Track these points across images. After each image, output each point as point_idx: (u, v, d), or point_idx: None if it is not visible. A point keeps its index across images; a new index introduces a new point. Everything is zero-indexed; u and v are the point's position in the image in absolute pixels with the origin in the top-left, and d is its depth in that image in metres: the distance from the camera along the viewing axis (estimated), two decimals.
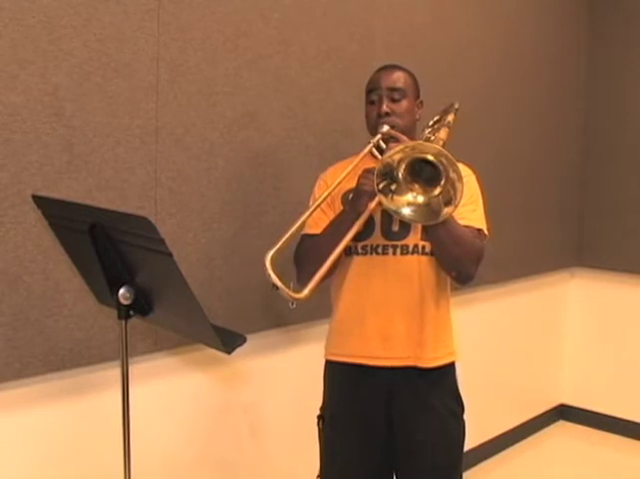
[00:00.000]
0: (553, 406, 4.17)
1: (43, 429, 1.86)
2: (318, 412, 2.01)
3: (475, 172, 1.98)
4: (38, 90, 1.74)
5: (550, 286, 3.98)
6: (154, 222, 1.34)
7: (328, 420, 1.99)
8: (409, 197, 1.61)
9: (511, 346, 3.74)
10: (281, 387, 2.51)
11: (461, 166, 1.94)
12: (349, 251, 1.89)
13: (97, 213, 1.51)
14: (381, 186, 1.60)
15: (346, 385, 1.97)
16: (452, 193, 1.56)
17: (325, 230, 1.86)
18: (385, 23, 2.71)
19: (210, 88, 2.13)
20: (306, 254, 1.89)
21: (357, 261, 1.91)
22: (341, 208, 1.91)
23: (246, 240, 2.27)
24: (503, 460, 3.60)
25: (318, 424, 2.00)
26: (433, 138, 1.85)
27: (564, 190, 3.95)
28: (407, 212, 1.62)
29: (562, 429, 4.09)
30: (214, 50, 2.13)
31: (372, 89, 1.95)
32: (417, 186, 1.61)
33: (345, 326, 1.95)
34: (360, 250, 1.90)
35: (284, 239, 1.56)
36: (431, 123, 2.04)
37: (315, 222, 1.94)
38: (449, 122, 1.93)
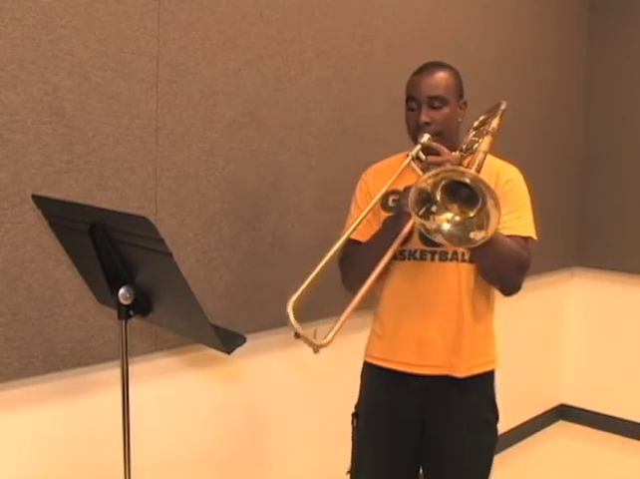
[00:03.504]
0: (553, 406, 4.17)
1: (43, 429, 1.86)
2: (353, 410, 2.01)
3: (521, 171, 1.92)
4: (38, 90, 1.74)
5: (550, 286, 3.98)
6: (154, 222, 1.34)
7: (362, 418, 1.99)
8: (447, 215, 1.57)
9: (511, 346, 3.74)
10: (281, 387, 2.51)
11: (507, 167, 1.91)
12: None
13: (97, 213, 1.51)
14: (421, 212, 1.57)
15: (381, 389, 1.96)
16: (485, 218, 1.52)
17: (368, 242, 1.85)
18: (385, 23, 2.71)
19: (210, 88, 2.13)
20: (350, 262, 1.89)
21: (397, 266, 1.88)
22: (380, 210, 1.89)
23: (246, 241, 2.27)
24: (503, 460, 3.59)
25: (352, 422, 2.00)
26: (475, 146, 1.80)
27: (564, 190, 3.94)
28: (445, 230, 1.57)
29: (562, 429, 4.09)
30: (214, 50, 2.13)
31: (411, 96, 1.86)
32: (455, 206, 1.57)
33: (382, 331, 1.95)
34: (398, 255, 1.85)
35: (306, 284, 1.54)
36: (476, 124, 1.97)
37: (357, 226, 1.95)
38: (493, 129, 1.84)
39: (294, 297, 1.51)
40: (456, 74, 1.90)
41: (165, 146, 2.03)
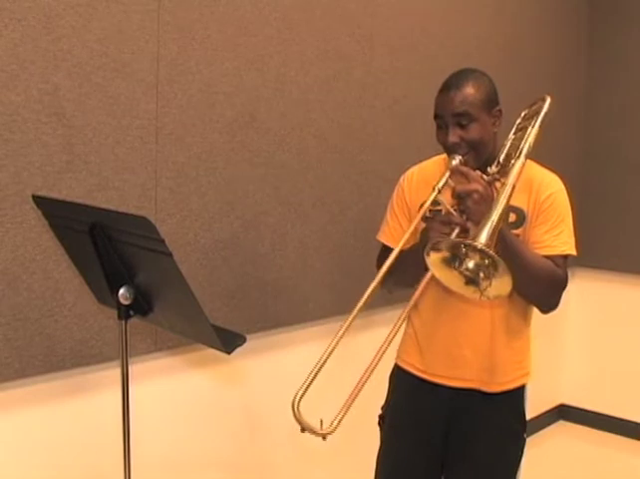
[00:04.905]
0: (553, 406, 4.17)
1: (43, 429, 1.86)
2: (379, 411, 2.01)
3: (562, 180, 1.87)
4: (38, 90, 1.74)
5: None
6: (154, 222, 1.34)
7: (388, 420, 1.98)
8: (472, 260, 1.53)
9: None
10: (281, 387, 2.51)
11: (548, 179, 1.85)
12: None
13: (97, 213, 1.51)
14: (456, 266, 1.52)
15: (409, 394, 1.95)
16: (491, 276, 1.48)
17: (406, 256, 1.75)
18: (385, 23, 2.71)
19: (210, 88, 2.13)
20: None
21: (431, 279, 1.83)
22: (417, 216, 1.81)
23: (246, 240, 2.27)
24: None
25: (379, 423, 1.99)
26: (512, 161, 1.71)
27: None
28: (470, 266, 1.52)
29: (562, 429, 4.09)
30: (214, 50, 2.13)
31: (437, 114, 1.78)
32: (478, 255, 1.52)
33: (417, 338, 1.93)
34: None
35: (309, 380, 1.54)
36: (519, 121, 1.89)
37: (391, 232, 1.93)
38: (529, 145, 1.74)
39: (300, 393, 1.51)
40: (483, 83, 1.77)
41: (165, 146, 2.03)
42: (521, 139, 1.78)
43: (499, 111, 1.81)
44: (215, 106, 2.15)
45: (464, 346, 1.84)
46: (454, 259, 1.53)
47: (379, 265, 1.93)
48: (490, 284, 1.50)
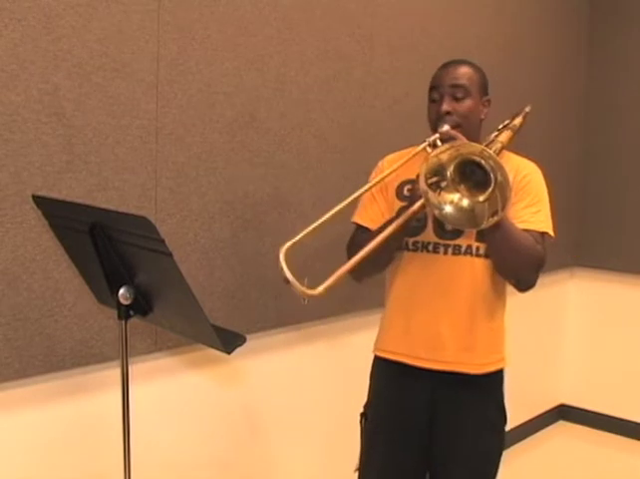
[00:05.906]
0: (553, 406, 4.17)
1: (43, 429, 1.86)
2: (361, 409, 1.99)
3: (540, 167, 1.93)
4: (38, 90, 1.74)
5: (550, 286, 3.97)
6: (154, 222, 1.35)
7: (371, 418, 1.96)
8: (454, 196, 1.56)
9: (511, 346, 3.74)
10: (281, 387, 2.51)
11: (526, 162, 1.91)
12: (401, 247, 1.84)
13: (97, 213, 1.51)
14: (430, 181, 1.55)
15: (391, 383, 1.94)
16: (498, 202, 1.50)
17: (379, 228, 1.79)
18: (385, 23, 2.71)
19: (210, 88, 2.13)
20: (359, 247, 1.81)
21: (408, 258, 1.85)
22: (395, 199, 1.87)
23: (246, 240, 2.27)
24: (503, 460, 3.59)
25: (360, 422, 1.98)
26: (493, 137, 1.83)
27: (564, 190, 3.94)
28: (448, 211, 1.56)
29: (562, 429, 4.09)
30: (214, 50, 2.13)
31: (433, 86, 1.86)
32: (463, 187, 1.56)
33: (393, 323, 1.92)
34: (411, 246, 1.84)
35: (304, 233, 1.51)
36: (500, 127, 1.97)
37: (366, 211, 1.92)
38: (514, 125, 1.88)
39: (289, 244, 1.48)
40: (480, 70, 1.90)
41: (165, 146, 2.03)
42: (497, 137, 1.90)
43: (488, 101, 1.90)
44: (215, 106, 2.15)
45: (443, 326, 1.83)
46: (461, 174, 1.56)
47: (350, 247, 1.90)
48: (488, 198, 1.53)
